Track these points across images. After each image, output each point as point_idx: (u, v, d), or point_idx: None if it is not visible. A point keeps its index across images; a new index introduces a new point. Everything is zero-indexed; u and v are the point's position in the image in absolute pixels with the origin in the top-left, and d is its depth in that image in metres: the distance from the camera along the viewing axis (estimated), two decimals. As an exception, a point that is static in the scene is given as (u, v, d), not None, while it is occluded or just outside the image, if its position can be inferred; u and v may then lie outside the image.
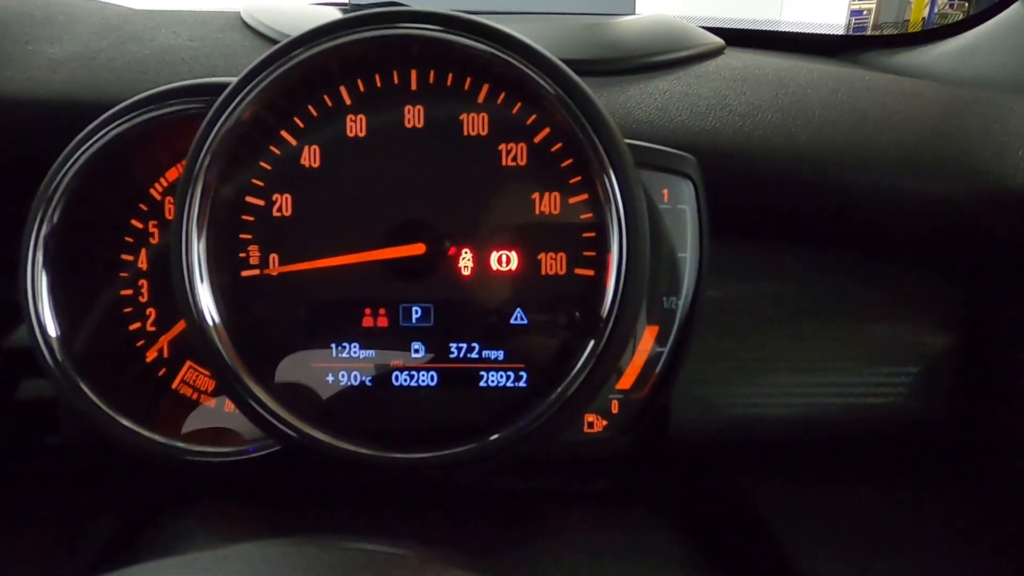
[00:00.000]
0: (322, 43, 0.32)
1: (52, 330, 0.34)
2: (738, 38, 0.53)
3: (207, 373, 0.38)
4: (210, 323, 0.32)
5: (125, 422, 0.34)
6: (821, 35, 0.78)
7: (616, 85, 0.42)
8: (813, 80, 0.45)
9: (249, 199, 0.34)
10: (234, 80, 0.32)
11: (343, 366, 0.35)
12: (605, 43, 0.46)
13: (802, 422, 0.42)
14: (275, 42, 0.45)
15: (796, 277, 0.43)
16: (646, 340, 0.34)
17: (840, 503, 0.40)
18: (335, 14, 0.50)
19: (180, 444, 0.35)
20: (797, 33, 0.71)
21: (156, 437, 0.34)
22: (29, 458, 0.42)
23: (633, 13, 0.53)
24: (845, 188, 0.40)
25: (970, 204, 0.40)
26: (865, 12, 6.65)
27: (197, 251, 0.32)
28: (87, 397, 0.34)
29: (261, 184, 0.34)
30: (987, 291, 0.44)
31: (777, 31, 0.69)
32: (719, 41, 0.50)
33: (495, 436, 0.31)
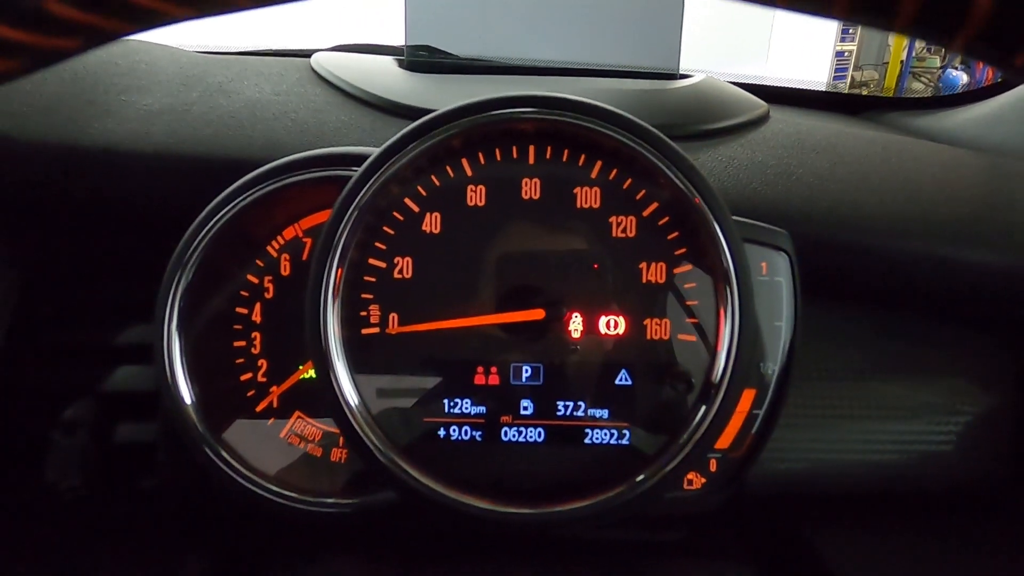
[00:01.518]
0: (458, 124, 0.34)
1: (187, 395, 0.36)
2: (770, 96, 0.56)
3: (315, 424, 0.39)
4: (340, 379, 0.34)
5: (256, 478, 0.35)
6: (848, 95, 0.82)
7: (690, 153, 0.44)
8: (863, 147, 0.48)
9: (372, 261, 0.36)
10: (374, 153, 0.34)
11: (454, 421, 0.36)
12: (668, 110, 0.49)
13: (864, 474, 0.45)
14: (347, 93, 0.48)
15: (863, 338, 0.45)
16: (744, 402, 0.36)
17: (897, 552, 0.42)
18: (392, 65, 0.53)
19: (293, 495, 0.36)
20: (823, 92, 0.76)
21: (275, 489, 0.36)
22: (121, 500, 0.43)
23: (677, 68, 0.56)
24: (908, 257, 0.43)
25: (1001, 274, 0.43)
26: (847, 54, 6.82)
27: (330, 308, 0.34)
28: (219, 451, 0.36)
29: (384, 247, 0.36)
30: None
31: (808, 91, 0.73)
32: (764, 105, 0.53)
33: (612, 493, 0.33)
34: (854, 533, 0.44)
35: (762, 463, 0.42)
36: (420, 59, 0.52)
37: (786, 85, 0.70)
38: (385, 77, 0.49)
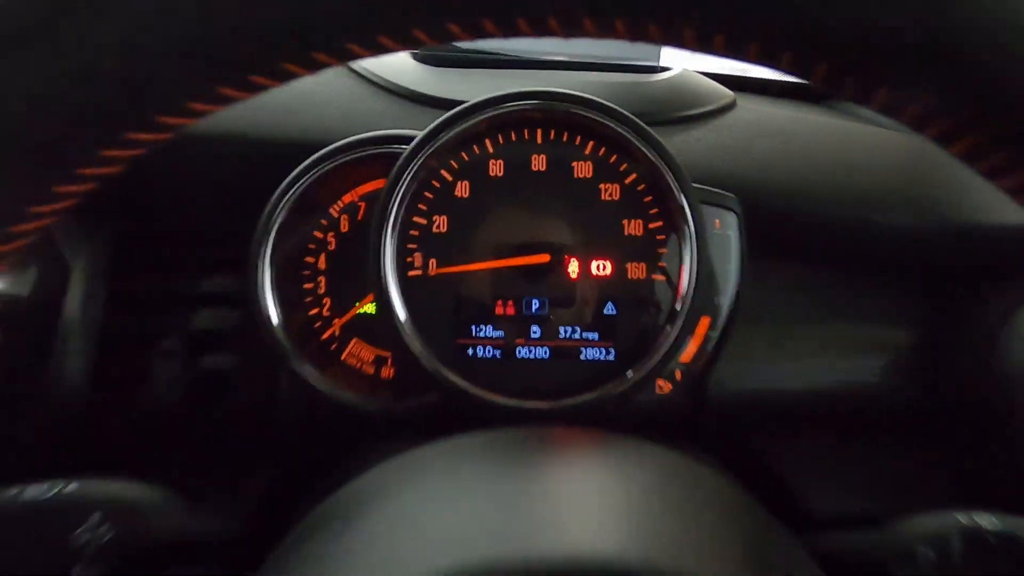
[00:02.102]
0: (484, 112, 0.44)
1: (276, 321, 0.46)
2: (741, 85, 0.66)
3: (370, 348, 0.50)
4: (396, 305, 0.45)
5: (325, 387, 0.46)
6: (810, 85, 0.92)
7: (665, 135, 0.55)
8: (813, 131, 0.59)
9: (416, 219, 0.46)
10: (419, 135, 0.45)
11: (479, 342, 0.47)
12: (648, 99, 0.59)
13: (806, 397, 0.56)
14: (377, 85, 0.57)
15: (804, 286, 0.56)
16: (701, 326, 0.47)
17: (832, 453, 0.53)
18: (409, 59, 0.62)
19: (353, 400, 0.47)
20: (789, 83, 0.86)
21: (338, 395, 0.47)
22: (205, 419, 0.53)
23: (658, 61, 0.65)
24: (842, 221, 0.53)
25: (939, 234, 0.54)
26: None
27: (387, 254, 0.45)
28: (301, 363, 0.47)
29: (425, 208, 0.47)
30: (951, 299, 0.57)
31: (776, 81, 0.84)
32: (731, 95, 0.63)
33: (602, 390, 0.44)
34: (797, 443, 0.55)
35: (720, 385, 0.53)
36: (432, 53, 0.61)
37: (756, 76, 0.80)
38: (407, 70, 0.59)
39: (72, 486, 0.37)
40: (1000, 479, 0.49)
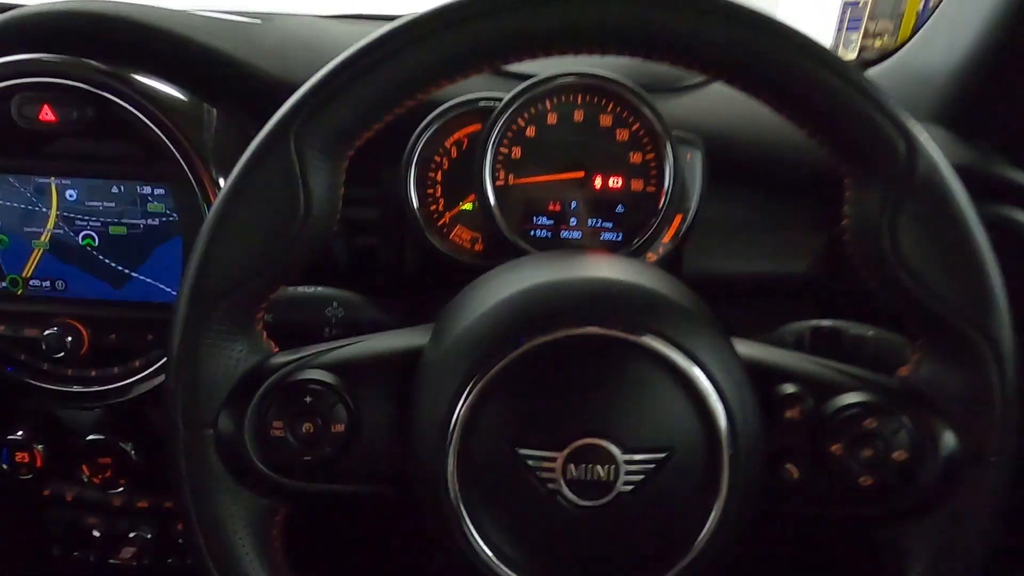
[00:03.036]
0: (547, 82, 0.72)
1: (415, 204, 0.76)
2: None
3: (469, 231, 0.79)
4: (491, 201, 0.74)
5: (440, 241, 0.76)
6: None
7: (662, 99, 0.82)
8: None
9: (501, 149, 0.75)
10: (506, 97, 0.73)
11: (537, 228, 0.76)
12: (653, 74, 0.86)
13: (748, 276, 0.84)
14: None
15: (752, 203, 0.83)
16: (676, 220, 0.76)
17: (763, 312, 0.82)
18: None
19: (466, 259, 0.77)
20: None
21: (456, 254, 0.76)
22: (364, 279, 0.83)
23: None
24: (785, 160, 0.80)
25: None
26: (861, 3, 6.87)
27: (486, 170, 0.73)
28: (428, 234, 0.76)
29: (507, 142, 0.75)
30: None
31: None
32: None
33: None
34: (738, 306, 0.84)
35: (690, 266, 0.81)
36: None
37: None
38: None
39: (320, 288, 0.68)
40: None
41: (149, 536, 0.89)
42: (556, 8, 0.43)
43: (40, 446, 0.83)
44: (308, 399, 0.49)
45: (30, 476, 0.84)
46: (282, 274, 0.50)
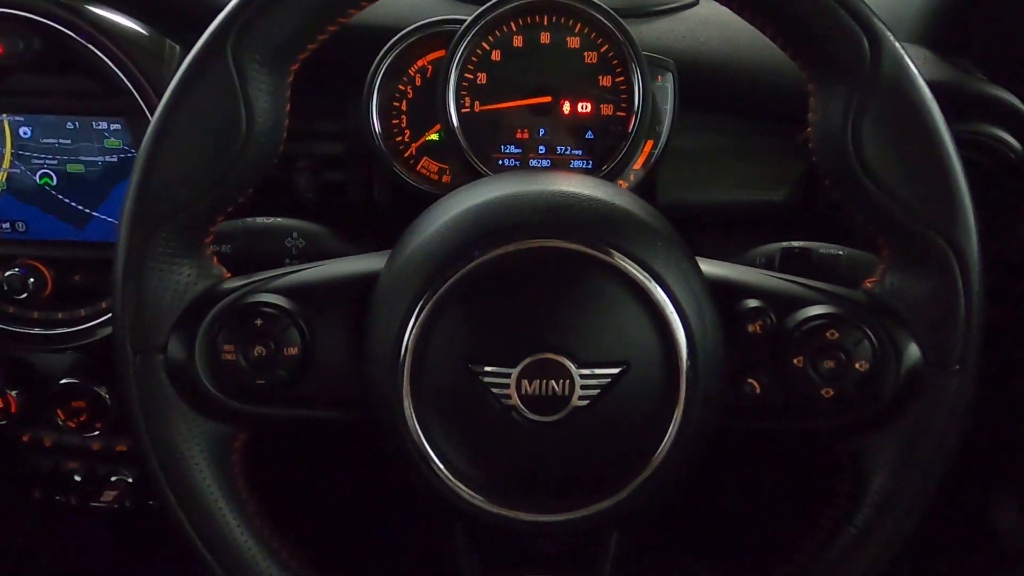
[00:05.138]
0: (511, 3, 0.70)
1: (379, 137, 0.74)
2: None
3: (435, 162, 0.77)
4: (456, 130, 0.72)
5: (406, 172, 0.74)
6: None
7: (635, 23, 0.79)
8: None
9: (466, 74, 0.73)
10: (467, 19, 0.70)
11: (506, 156, 0.74)
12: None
13: (722, 204, 0.82)
14: None
15: (726, 131, 0.81)
16: (648, 145, 0.74)
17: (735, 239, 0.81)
18: None
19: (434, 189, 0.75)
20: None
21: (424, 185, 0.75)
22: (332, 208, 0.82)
23: None
24: (758, 86, 0.78)
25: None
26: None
27: (450, 98, 0.71)
28: (394, 166, 0.74)
29: (471, 67, 0.72)
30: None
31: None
32: None
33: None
34: (713, 235, 0.83)
35: (665, 194, 0.79)
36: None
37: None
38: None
39: (280, 219, 0.66)
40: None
41: (130, 480, 0.89)
42: None
43: (14, 392, 0.83)
44: (259, 322, 0.48)
45: (5, 422, 0.83)
46: (229, 194, 0.49)
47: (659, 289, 0.45)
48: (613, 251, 0.44)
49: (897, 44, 0.45)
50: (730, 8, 0.47)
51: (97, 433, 0.85)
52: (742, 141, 0.82)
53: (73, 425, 0.83)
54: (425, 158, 0.77)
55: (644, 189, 0.76)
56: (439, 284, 0.45)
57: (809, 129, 0.49)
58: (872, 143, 0.46)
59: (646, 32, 0.78)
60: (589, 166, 0.74)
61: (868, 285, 0.51)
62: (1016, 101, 0.74)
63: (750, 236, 0.82)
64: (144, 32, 0.75)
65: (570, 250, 0.44)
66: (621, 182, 0.75)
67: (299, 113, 0.82)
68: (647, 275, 0.45)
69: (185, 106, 0.46)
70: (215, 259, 0.51)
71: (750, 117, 0.82)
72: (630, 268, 0.44)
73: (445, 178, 0.77)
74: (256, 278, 0.50)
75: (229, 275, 0.51)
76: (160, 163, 0.46)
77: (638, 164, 0.74)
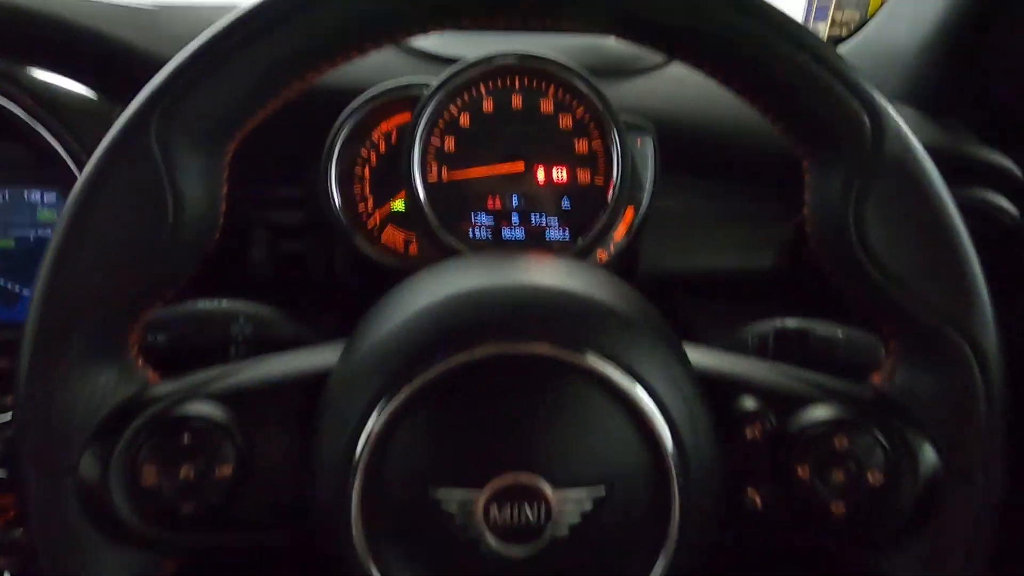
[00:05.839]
0: (480, 66, 0.65)
1: (338, 208, 0.68)
2: None
3: (400, 232, 0.72)
4: (422, 200, 0.67)
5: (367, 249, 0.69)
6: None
7: (611, 83, 0.76)
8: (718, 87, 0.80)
9: (433, 140, 0.68)
10: (435, 81, 0.66)
11: (477, 227, 0.69)
12: (602, 56, 0.80)
13: (708, 271, 0.78)
14: (401, 49, 0.78)
15: (709, 193, 0.77)
16: (628, 213, 0.69)
17: (721, 310, 0.76)
18: None
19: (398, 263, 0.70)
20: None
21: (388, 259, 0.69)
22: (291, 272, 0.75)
23: None
24: (741, 147, 0.75)
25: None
26: (826, -7, 6.89)
27: (415, 165, 0.66)
28: (354, 239, 0.69)
29: (438, 133, 0.68)
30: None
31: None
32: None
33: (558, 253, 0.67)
34: (701, 301, 0.78)
35: (647, 262, 0.75)
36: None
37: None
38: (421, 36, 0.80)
39: (225, 302, 0.60)
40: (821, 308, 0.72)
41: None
42: None
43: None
44: (188, 438, 0.41)
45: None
46: (154, 289, 0.42)
47: (644, 395, 0.39)
48: (590, 353, 0.39)
49: (900, 121, 0.41)
50: (715, 80, 0.43)
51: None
52: (725, 204, 0.78)
53: (1, 523, 0.74)
54: (390, 227, 0.72)
55: (625, 258, 0.71)
56: (396, 391, 0.39)
57: (806, 211, 0.44)
58: (877, 229, 0.41)
59: (622, 93, 0.74)
60: (566, 236, 0.69)
61: (876, 381, 0.45)
62: (1012, 165, 0.70)
63: (737, 306, 0.78)
64: (90, 97, 0.70)
65: (540, 355, 0.39)
66: (601, 252, 0.70)
67: (254, 179, 0.78)
68: (630, 378, 0.39)
69: (102, 193, 0.40)
70: (140, 360, 0.45)
71: (733, 179, 0.78)
72: (610, 372, 0.39)
73: (412, 249, 0.72)
74: (187, 383, 0.44)
75: (156, 378, 0.45)
76: (73, 255, 0.40)
77: (619, 234, 0.69)
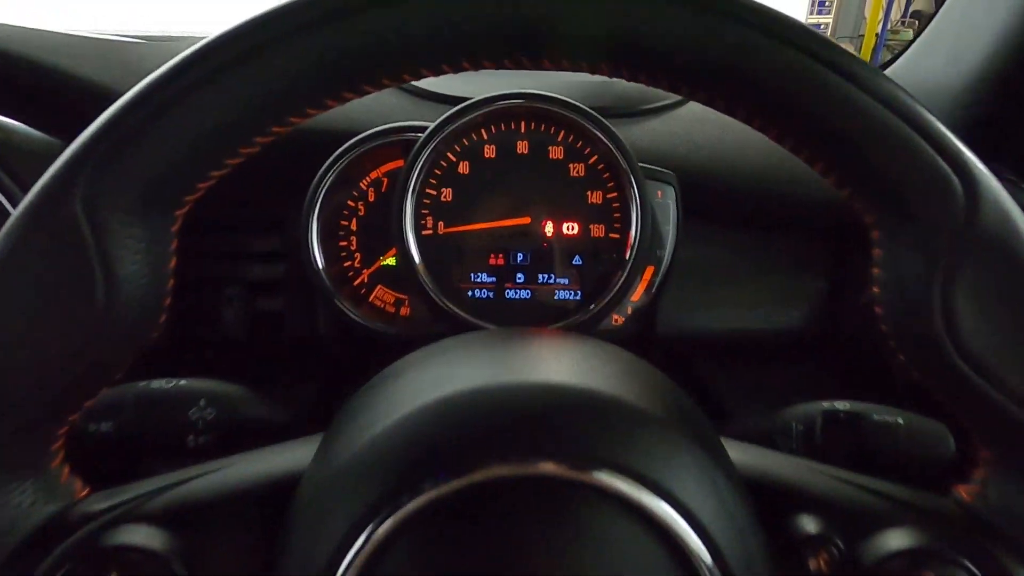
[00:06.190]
0: (482, 107, 0.58)
1: (320, 265, 0.61)
2: None
3: (391, 292, 0.64)
4: (415, 256, 0.59)
5: (353, 311, 0.61)
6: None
7: (625, 125, 0.69)
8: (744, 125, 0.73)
9: (428, 190, 0.60)
10: (431, 126, 0.58)
11: (477, 286, 0.61)
12: (614, 96, 0.73)
13: (733, 331, 0.70)
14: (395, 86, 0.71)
15: (734, 245, 0.70)
16: (647, 273, 0.62)
17: (752, 374, 0.68)
18: None
19: (379, 329, 0.61)
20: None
21: (367, 326, 0.61)
22: (264, 345, 0.68)
23: None
24: (766, 194, 0.67)
25: (840, 203, 0.68)
26: (823, 27, 6.96)
27: (407, 218, 0.59)
28: (337, 299, 0.61)
29: (435, 182, 0.60)
30: (851, 255, 0.72)
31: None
32: None
33: (571, 320, 0.59)
34: (725, 366, 0.70)
35: (666, 323, 0.67)
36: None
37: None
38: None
39: (184, 381, 0.52)
40: (867, 381, 0.64)
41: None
42: None
43: None
44: (117, 570, 0.33)
45: None
46: (83, 383, 0.34)
47: (680, 519, 0.31)
48: (610, 471, 0.31)
49: (999, 187, 0.33)
50: (765, 134, 0.35)
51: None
52: (752, 255, 0.71)
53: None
54: (379, 287, 0.64)
55: (642, 320, 0.63)
56: (381, 516, 0.30)
57: (875, 290, 0.36)
58: (971, 318, 0.33)
59: (637, 135, 0.67)
60: (577, 296, 0.62)
61: (964, 494, 0.37)
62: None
63: (768, 373, 0.70)
64: (43, 138, 0.63)
65: (552, 476, 0.31)
66: (616, 317, 0.62)
67: (228, 228, 0.70)
68: (661, 498, 0.31)
69: (14, 273, 0.32)
70: (66, 469, 0.37)
71: (760, 226, 0.71)
72: (636, 493, 0.31)
73: (403, 310, 0.64)
74: (122, 498, 0.36)
75: (86, 491, 0.37)
76: None
77: (636, 295, 0.62)
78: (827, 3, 6.31)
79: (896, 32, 7.23)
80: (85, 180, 0.32)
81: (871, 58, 7.35)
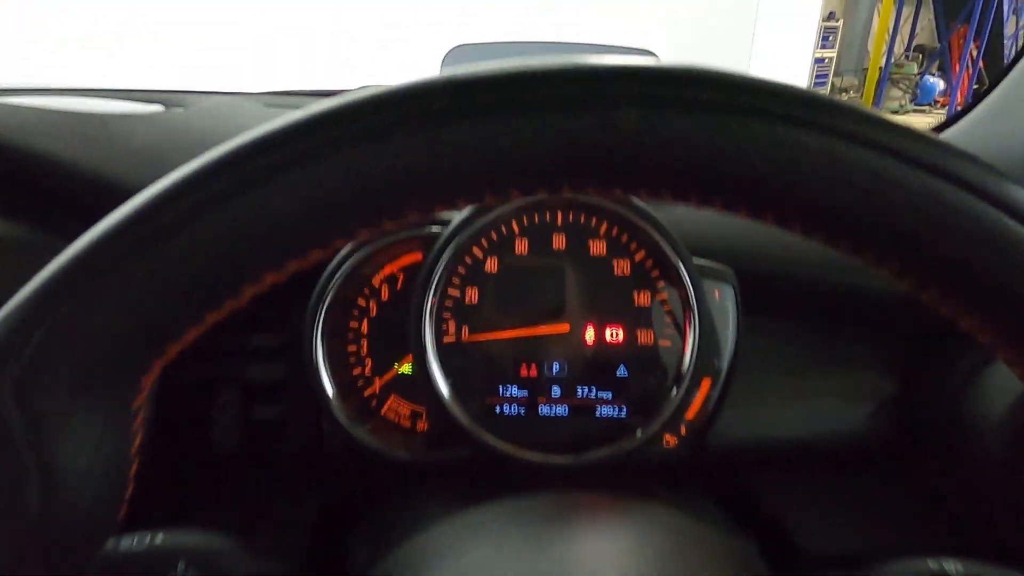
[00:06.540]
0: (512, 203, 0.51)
1: (324, 373, 0.52)
2: None
3: (406, 403, 0.56)
4: (433, 365, 0.51)
5: (367, 439, 0.52)
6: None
7: (667, 208, 0.61)
8: None
9: (451, 291, 0.52)
10: (456, 219, 0.51)
11: (506, 401, 0.53)
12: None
13: (797, 442, 0.62)
14: None
15: (793, 339, 0.62)
16: (704, 387, 0.53)
17: (820, 492, 0.59)
18: None
19: (391, 451, 0.53)
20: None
21: (379, 446, 0.53)
22: (260, 460, 0.59)
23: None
24: (830, 285, 0.59)
25: (913, 300, 0.60)
26: (827, 60, 6.96)
27: (426, 323, 0.51)
28: (344, 417, 0.52)
29: (458, 281, 0.53)
30: (927, 355, 0.64)
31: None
32: None
33: (616, 446, 0.50)
34: (788, 484, 0.61)
35: (718, 434, 0.59)
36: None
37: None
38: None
39: (159, 537, 0.43)
40: (968, 523, 0.55)
41: None
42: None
43: None
44: None
45: None
46: None
47: None
48: None
49: None
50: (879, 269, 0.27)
51: None
52: (813, 352, 0.62)
53: None
54: (393, 397, 0.56)
55: (697, 440, 0.54)
56: None
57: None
58: None
59: (688, 226, 0.59)
60: (622, 413, 0.53)
61: None
62: None
63: (837, 489, 0.61)
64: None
65: None
66: (669, 437, 0.53)
67: (223, 325, 0.62)
68: None
69: None
70: None
71: (823, 322, 0.63)
72: None
73: (420, 425, 0.56)
74: None
75: None
76: None
77: (691, 412, 0.53)
78: (831, 38, 6.33)
79: (901, 66, 7.25)
80: (14, 366, 0.24)
81: (875, 92, 7.35)
